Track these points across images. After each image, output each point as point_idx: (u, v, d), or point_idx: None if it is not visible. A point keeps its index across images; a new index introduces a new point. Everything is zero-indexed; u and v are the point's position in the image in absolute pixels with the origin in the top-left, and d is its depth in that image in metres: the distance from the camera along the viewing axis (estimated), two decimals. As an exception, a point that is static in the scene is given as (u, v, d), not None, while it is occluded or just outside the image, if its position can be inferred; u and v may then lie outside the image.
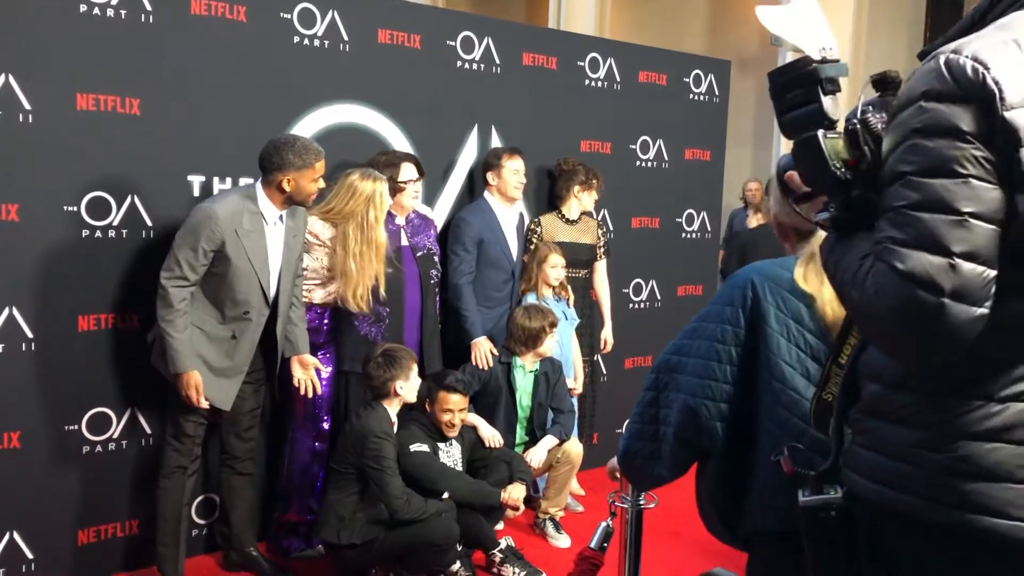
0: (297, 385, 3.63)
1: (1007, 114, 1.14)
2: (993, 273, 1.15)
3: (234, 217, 3.31)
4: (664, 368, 1.66)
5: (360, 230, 3.71)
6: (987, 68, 1.15)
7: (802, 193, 1.40)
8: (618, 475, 1.92)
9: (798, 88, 1.31)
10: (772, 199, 1.67)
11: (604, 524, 2.04)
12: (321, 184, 3.46)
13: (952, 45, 1.22)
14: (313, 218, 3.72)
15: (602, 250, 4.80)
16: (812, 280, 1.53)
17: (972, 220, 1.14)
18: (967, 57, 1.17)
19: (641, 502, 2.01)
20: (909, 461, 1.26)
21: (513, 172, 4.37)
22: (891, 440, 1.28)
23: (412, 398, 3.62)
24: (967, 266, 1.14)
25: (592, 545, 2.02)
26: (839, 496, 1.36)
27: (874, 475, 1.30)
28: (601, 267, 4.82)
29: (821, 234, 1.43)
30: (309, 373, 3.64)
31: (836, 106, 1.30)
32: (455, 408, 3.73)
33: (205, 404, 3.32)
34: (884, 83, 1.30)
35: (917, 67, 1.25)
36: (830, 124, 1.29)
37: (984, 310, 1.15)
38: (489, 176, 4.39)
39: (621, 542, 2.05)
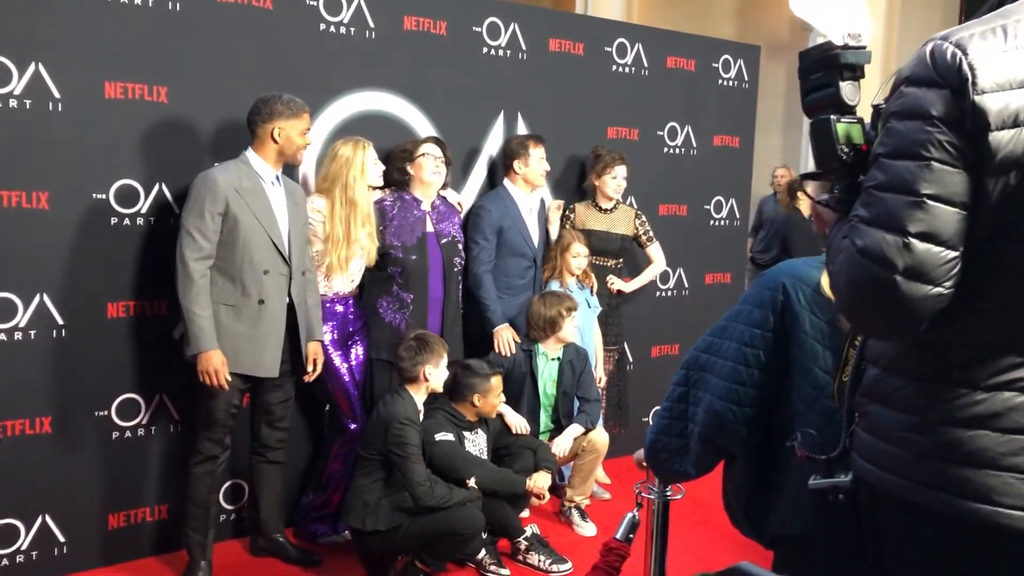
0: (309, 372, 3.63)
1: (978, 98, 1.15)
2: (953, 254, 1.18)
3: (231, 178, 3.34)
4: (694, 365, 1.64)
5: (344, 192, 3.72)
6: (965, 53, 1.18)
7: (811, 173, 1.40)
8: (644, 466, 1.90)
9: (820, 71, 1.33)
10: (811, 188, 1.64)
11: (630, 515, 2.02)
12: (309, 140, 3.51)
13: (942, 33, 1.23)
14: (313, 196, 3.75)
15: (645, 237, 4.76)
16: None
17: (931, 202, 1.16)
18: (950, 43, 1.20)
19: (668, 493, 1.99)
20: (897, 444, 1.28)
21: (540, 160, 4.35)
22: (884, 423, 1.31)
23: (439, 386, 3.62)
24: (921, 246, 1.16)
25: (618, 536, 2.00)
26: (847, 480, 1.38)
27: (870, 457, 1.33)
28: (653, 251, 4.80)
29: None
30: (318, 364, 3.64)
31: (856, 91, 1.31)
32: (500, 387, 3.78)
33: (224, 383, 3.30)
34: None
35: None
36: (846, 108, 1.30)
37: (941, 289, 1.18)
38: (516, 164, 4.36)
39: (647, 533, 2.03)
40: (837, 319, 1.48)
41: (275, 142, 3.41)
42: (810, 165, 5.18)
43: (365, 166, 3.76)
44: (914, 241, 1.16)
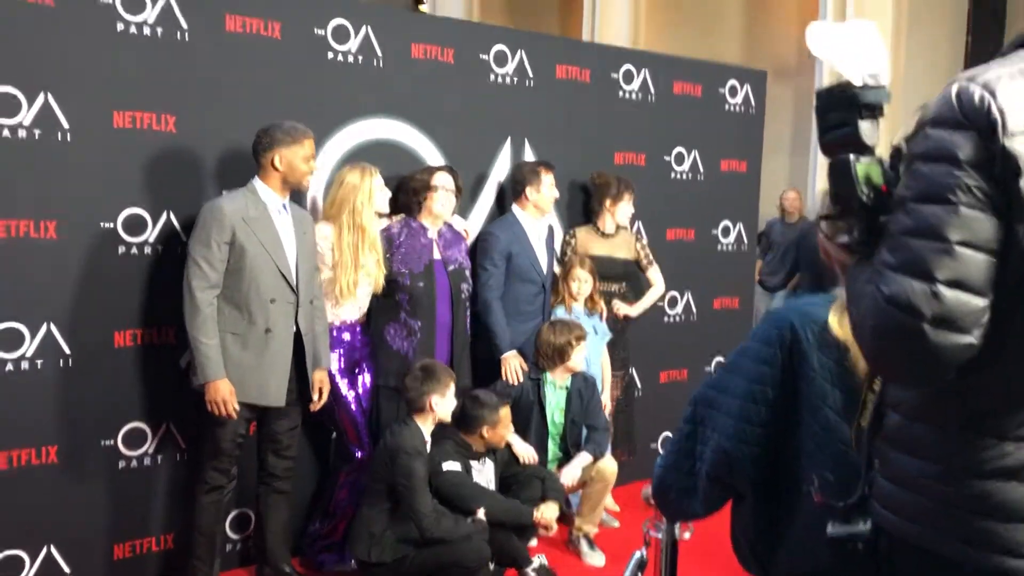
0: (316, 401, 3.62)
1: (1007, 142, 1.13)
2: (983, 302, 1.15)
3: (238, 206, 3.35)
4: (702, 402, 1.62)
5: (351, 217, 3.73)
6: (993, 95, 1.15)
7: (830, 213, 1.37)
8: (652, 503, 1.88)
9: (838, 110, 1.31)
10: (827, 228, 1.62)
11: (638, 555, 2.00)
12: (313, 166, 3.52)
13: (968, 73, 1.21)
14: (320, 223, 3.75)
15: (645, 261, 4.76)
16: (847, 327, 1.48)
17: (960, 248, 1.13)
18: (977, 84, 1.17)
19: (676, 532, 1.97)
20: (921, 492, 1.25)
21: (550, 186, 4.36)
22: (906, 470, 1.27)
23: (446, 416, 3.61)
24: (951, 293, 1.13)
25: (627, 575, 1.98)
26: (866, 529, 1.34)
27: (891, 505, 1.29)
28: (653, 274, 4.80)
29: None
30: (323, 393, 3.63)
31: (875, 131, 1.28)
32: (508, 417, 3.77)
33: (232, 412, 3.30)
34: None
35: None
36: (865, 149, 1.28)
37: (971, 339, 1.14)
38: (528, 191, 4.36)
39: (655, 574, 2.01)
40: (846, 358, 1.46)
41: (277, 170, 3.42)
42: (819, 185, 5.19)
43: (372, 192, 3.77)
44: (943, 289, 1.13)
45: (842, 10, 8.04)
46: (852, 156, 1.27)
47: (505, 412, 3.75)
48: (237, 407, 3.30)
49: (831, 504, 1.36)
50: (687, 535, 1.98)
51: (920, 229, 1.15)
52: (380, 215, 3.89)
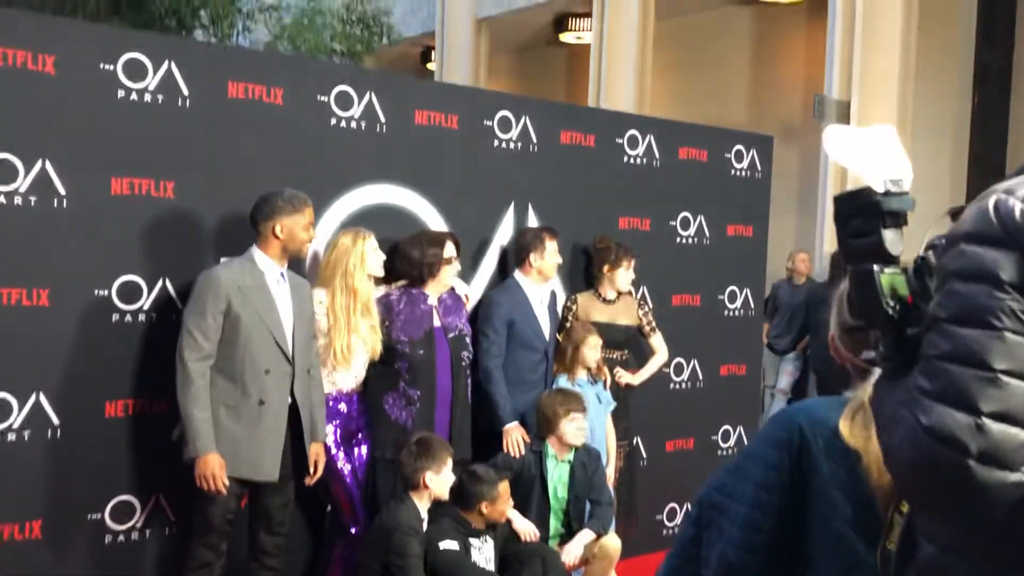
0: (312, 475, 3.53)
1: None
2: None
3: (234, 276, 3.30)
4: (707, 505, 1.52)
5: (344, 280, 3.67)
6: None
7: (853, 326, 1.29)
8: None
9: (860, 217, 1.22)
10: (832, 319, 1.53)
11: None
12: (313, 234, 3.48)
13: (1005, 184, 1.12)
14: (315, 289, 3.69)
15: (648, 328, 4.68)
16: (859, 434, 1.38)
17: (1005, 378, 1.03)
18: (1017, 199, 1.07)
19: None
20: None
21: (554, 252, 4.31)
22: None
23: (443, 493, 3.49)
24: (997, 427, 1.03)
25: None
26: None
27: None
28: (656, 341, 4.72)
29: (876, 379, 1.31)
30: (319, 465, 3.54)
31: (899, 241, 1.20)
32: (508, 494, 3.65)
33: (222, 487, 3.20)
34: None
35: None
36: (889, 259, 1.20)
37: (1020, 476, 1.03)
38: (532, 257, 4.30)
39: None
40: (857, 467, 1.36)
41: (277, 238, 3.38)
42: (826, 247, 5.10)
43: (365, 254, 3.72)
44: (988, 422, 1.03)
45: (848, 74, 8.08)
46: (876, 267, 1.18)
47: (504, 487, 3.64)
48: (227, 482, 3.20)
49: None
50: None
51: (960, 354, 1.06)
52: (375, 280, 3.82)
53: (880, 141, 1.24)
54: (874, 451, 1.34)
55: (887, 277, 1.17)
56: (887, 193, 1.20)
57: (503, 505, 3.64)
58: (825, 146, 1.27)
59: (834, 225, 1.27)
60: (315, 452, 3.50)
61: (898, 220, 1.20)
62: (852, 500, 1.35)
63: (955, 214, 1.24)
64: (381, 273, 3.86)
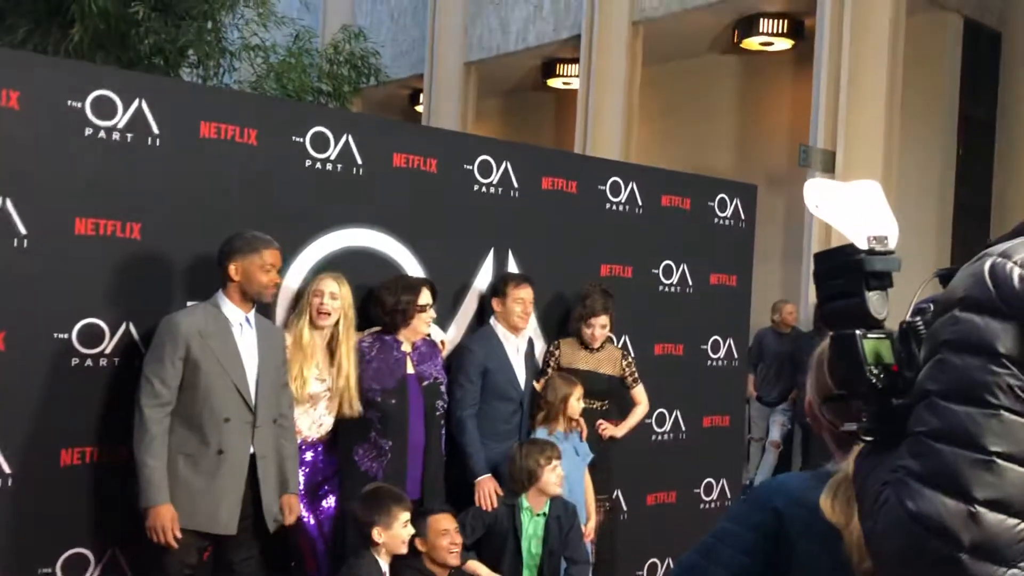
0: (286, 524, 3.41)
1: None
2: None
3: (195, 321, 3.21)
4: None
5: (299, 318, 3.63)
6: None
7: (834, 395, 1.19)
8: None
9: (842, 277, 1.14)
10: (810, 384, 1.44)
11: None
12: (275, 277, 3.37)
13: (1001, 247, 1.03)
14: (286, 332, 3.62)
15: (631, 379, 4.57)
16: (841, 511, 1.28)
17: (1001, 461, 0.95)
18: (1015, 264, 0.99)
19: None
20: None
21: (517, 301, 4.17)
22: None
23: (396, 549, 3.31)
24: (992, 517, 0.95)
25: None
26: None
27: None
28: (638, 392, 4.62)
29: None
30: (291, 518, 3.41)
31: (884, 303, 1.11)
32: (450, 527, 3.48)
33: (172, 541, 3.07)
34: (951, 279, 1.12)
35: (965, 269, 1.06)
36: (873, 322, 1.11)
37: (1017, 571, 0.95)
38: (495, 302, 4.22)
39: None
40: (839, 549, 1.26)
41: (234, 280, 3.29)
42: (812, 295, 4.99)
43: (309, 296, 3.65)
44: (983, 511, 0.94)
45: (833, 123, 8.09)
46: (859, 332, 1.10)
47: (436, 522, 3.46)
48: (179, 535, 3.06)
49: None
50: None
51: (952, 433, 0.97)
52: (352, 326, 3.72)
53: (864, 196, 1.16)
54: (857, 530, 1.24)
55: (871, 342, 1.09)
56: (871, 251, 1.11)
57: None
58: (806, 200, 1.18)
59: (814, 284, 1.19)
60: (287, 504, 3.38)
61: (883, 281, 1.12)
62: None
63: (944, 278, 1.14)
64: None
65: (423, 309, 3.83)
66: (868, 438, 1.10)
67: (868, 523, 1.06)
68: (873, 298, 1.10)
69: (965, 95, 8.82)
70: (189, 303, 3.44)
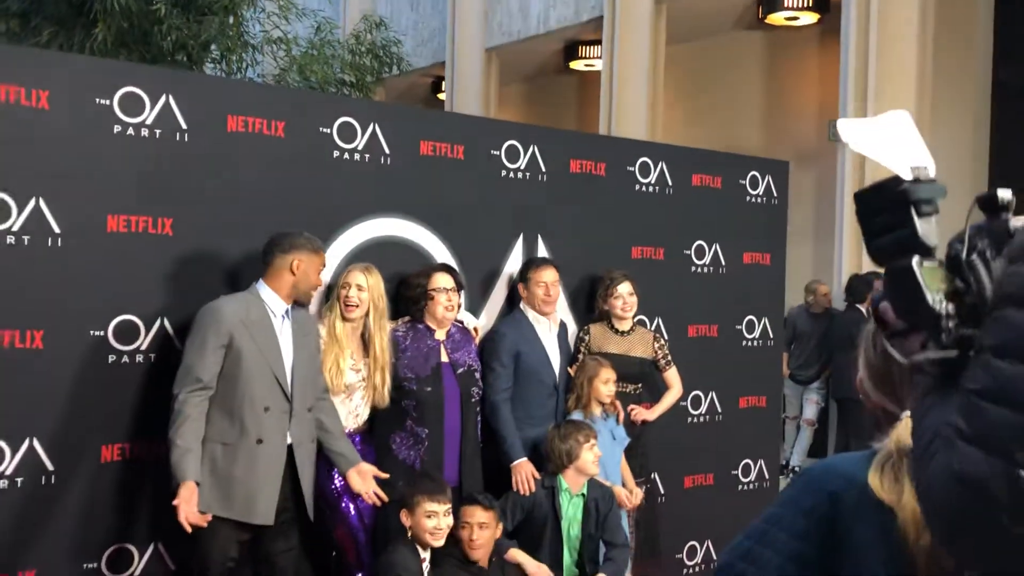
0: (366, 499, 3.45)
1: None
2: None
3: (238, 310, 3.21)
4: (729, 574, 1.36)
5: (330, 310, 3.63)
6: None
7: (897, 330, 1.15)
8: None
9: (888, 211, 1.11)
10: (861, 359, 1.39)
11: None
12: (322, 281, 3.44)
13: None
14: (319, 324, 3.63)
15: (663, 361, 4.53)
16: (890, 487, 1.23)
17: None
18: None
19: None
20: None
21: (539, 284, 4.13)
22: None
23: (420, 537, 3.31)
24: None
25: None
26: None
27: None
28: (671, 375, 4.57)
29: (907, 423, 1.17)
30: (370, 484, 3.42)
31: (933, 230, 1.08)
32: (472, 521, 3.46)
33: (197, 519, 3.05)
34: (992, 204, 1.07)
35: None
36: (926, 250, 1.07)
37: None
38: (520, 288, 4.19)
39: None
40: (893, 527, 1.21)
41: (292, 274, 3.30)
42: (845, 273, 4.90)
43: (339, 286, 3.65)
44: None
45: (863, 96, 7.95)
46: (915, 259, 1.07)
47: (470, 513, 3.44)
48: (203, 513, 3.05)
49: None
50: None
51: (1003, 393, 0.92)
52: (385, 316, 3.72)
53: (896, 128, 1.13)
54: (909, 506, 1.20)
55: (927, 270, 1.05)
56: (916, 180, 1.08)
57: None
58: (843, 138, 1.15)
59: (858, 224, 1.15)
60: (357, 473, 3.42)
61: (930, 208, 1.08)
62: (893, 569, 1.20)
63: (983, 201, 1.10)
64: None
65: (438, 292, 3.80)
66: (932, 370, 1.06)
67: (918, 471, 1.03)
68: (924, 226, 1.07)
69: (998, 62, 8.62)
70: (222, 296, 3.44)
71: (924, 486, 1.00)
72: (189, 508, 3.02)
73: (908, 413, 1.18)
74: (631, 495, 4.23)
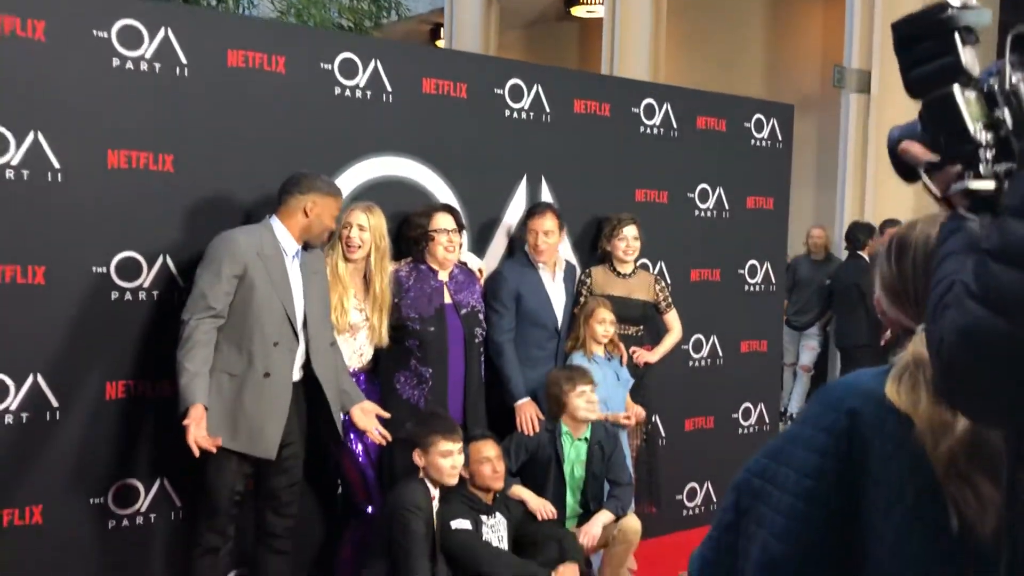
0: (370, 437, 3.47)
1: None
2: None
3: (253, 241, 3.19)
4: (746, 491, 1.35)
5: (333, 250, 3.60)
6: None
7: (929, 162, 1.13)
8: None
9: (930, 39, 1.08)
10: (876, 278, 1.38)
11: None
12: (335, 225, 3.40)
13: None
14: None
15: (664, 304, 4.52)
16: (906, 395, 1.21)
17: None
18: None
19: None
20: None
21: (531, 232, 4.10)
22: None
23: (435, 476, 3.34)
24: None
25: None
26: None
27: None
28: (671, 318, 4.55)
29: (921, 336, 1.16)
30: (373, 421, 3.43)
31: (977, 59, 1.05)
32: (491, 454, 3.49)
33: (207, 444, 3.03)
34: None
35: None
36: (968, 79, 1.05)
37: None
38: (522, 234, 4.17)
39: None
40: (910, 436, 1.20)
41: (306, 216, 3.27)
42: (847, 220, 4.86)
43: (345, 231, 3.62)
44: None
45: (868, 42, 7.85)
46: (956, 87, 1.04)
47: (476, 448, 3.44)
48: (212, 437, 3.03)
49: None
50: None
51: (1015, 255, 0.92)
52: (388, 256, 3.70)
53: None
54: (927, 414, 1.19)
55: (969, 99, 1.03)
56: (963, 6, 1.05)
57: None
58: None
59: (896, 56, 1.12)
60: (361, 411, 3.44)
61: (974, 37, 1.06)
62: (913, 481, 1.20)
63: (1017, 38, 1.08)
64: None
65: (438, 232, 3.78)
66: (965, 203, 1.05)
67: (929, 326, 1.02)
68: (967, 54, 1.04)
69: (1006, 7, 8.49)
70: (237, 227, 3.40)
71: (935, 342, 0.99)
72: (198, 431, 3.00)
73: (923, 327, 1.16)
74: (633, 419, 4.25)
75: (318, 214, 3.28)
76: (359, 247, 3.59)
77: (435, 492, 3.34)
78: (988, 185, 1.04)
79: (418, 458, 3.30)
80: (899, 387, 1.23)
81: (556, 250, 4.20)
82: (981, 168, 1.04)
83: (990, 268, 0.93)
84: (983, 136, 1.03)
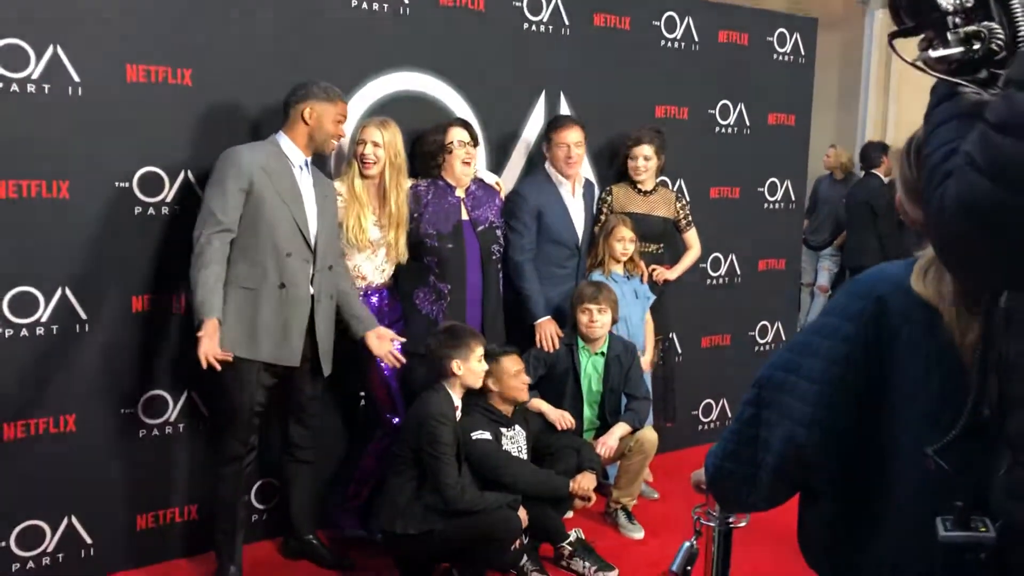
0: (383, 361, 3.50)
1: None
2: None
3: (257, 156, 3.20)
4: (768, 384, 1.37)
5: (349, 166, 3.62)
6: None
7: (900, 29, 1.13)
8: (704, 489, 1.67)
9: None
10: (898, 178, 1.38)
11: (687, 544, 1.80)
12: (341, 130, 3.37)
13: None
14: (335, 182, 3.61)
15: (684, 221, 4.50)
16: (933, 288, 1.23)
17: None
18: None
19: (730, 520, 1.77)
20: None
21: (560, 146, 4.07)
22: None
23: (472, 382, 3.41)
24: None
25: (675, 568, 1.79)
26: (991, 535, 1.10)
27: None
28: (691, 236, 4.54)
29: None
30: (388, 346, 3.47)
31: None
32: (520, 367, 3.57)
33: (217, 356, 3.03)
34: None
35: None
36: None
37: None
38: (544, 147, 4.14)
39: (707, 563, 1.82)
40: (937, 325, 1.22)
41: (306, 123, 3.25)
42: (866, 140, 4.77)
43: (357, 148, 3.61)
44: None
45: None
46: None
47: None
48: (223, 354, 3.06)
49: (946, 502, 1.12)
50: (742, 524, 1.78)
51: (1020, 126, 0.92)
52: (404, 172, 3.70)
53: None
54: (952, 307, 1.21)
55: None
56: None
57: (512, 380, 3.51)
58: None
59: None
60: (376, 335, 3.45)
61: None
62: (939, 369, 1.22)
63: None
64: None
65: (454, 147, 3.76)
66: (938, 68, 1.04)
67: (926, 192, 1.03)
68: None
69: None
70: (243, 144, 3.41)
71: (935, 210, 1.00)
72: (211, 344, 3.03)
73: None
74: (648, 356, 4.31)
75: (317, 119, 3.26)
76: (374, 163, 3.58)
77: (458, 402, 3.41)
78: (953, 52, 1.03)
79: (456, 367, 3.35)
80: (924, 280, 1.24)
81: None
82: (949, 36, 1.03)
83: (995, 140, 0.93)
84: (949, 2, 1.02)
